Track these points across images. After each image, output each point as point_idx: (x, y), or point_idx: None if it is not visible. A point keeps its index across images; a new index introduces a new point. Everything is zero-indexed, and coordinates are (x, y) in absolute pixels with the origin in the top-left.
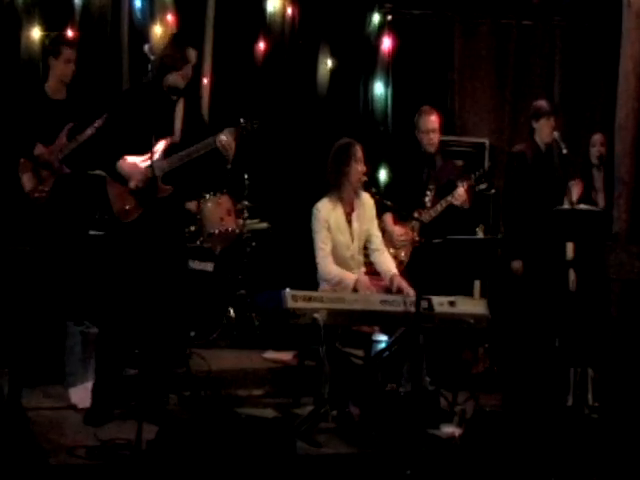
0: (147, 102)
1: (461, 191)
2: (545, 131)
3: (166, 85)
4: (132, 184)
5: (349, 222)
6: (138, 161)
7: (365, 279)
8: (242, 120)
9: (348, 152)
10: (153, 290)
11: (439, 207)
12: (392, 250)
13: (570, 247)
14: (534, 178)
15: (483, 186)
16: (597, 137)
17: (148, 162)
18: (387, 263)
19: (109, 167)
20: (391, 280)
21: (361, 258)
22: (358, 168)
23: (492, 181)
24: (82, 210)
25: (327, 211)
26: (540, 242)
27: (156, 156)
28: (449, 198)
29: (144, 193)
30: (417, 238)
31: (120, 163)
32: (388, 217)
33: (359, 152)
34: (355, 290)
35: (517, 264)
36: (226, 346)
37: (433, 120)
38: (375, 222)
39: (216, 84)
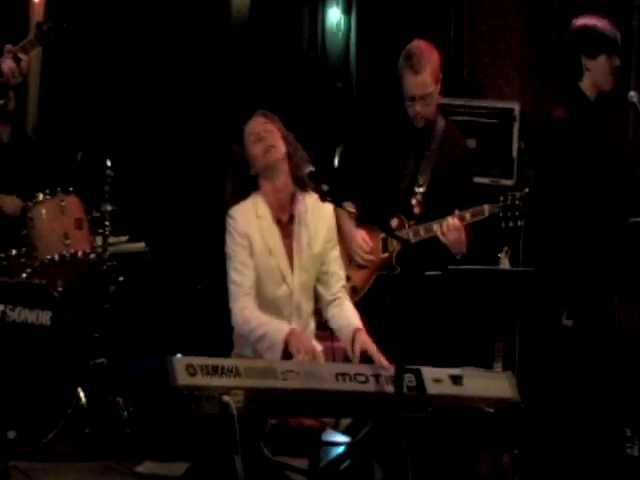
0: None
1: (452, 225)
2: (606, 73)
3: None
4: None
5: (286, 237)
6: None
7: (304, 335)
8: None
9: (240, 135)
10: None
11: (422, 231)
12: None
13: None
14: (587, 162)
15: (513, 224)
16: None
17: None
18: (348, 314)
19: None
20: (353, 337)
21: (307, 307)
22: (256, 148)
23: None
24: None
25: (246, 220)
26: (604, 278)
27: None
28: (434, 227)
29: None
30: (384, 256)
31: None
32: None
33: (253, 122)
34: (287, 353)
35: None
36: (72, 454)
37: (420, 81)
38: (335, 246)
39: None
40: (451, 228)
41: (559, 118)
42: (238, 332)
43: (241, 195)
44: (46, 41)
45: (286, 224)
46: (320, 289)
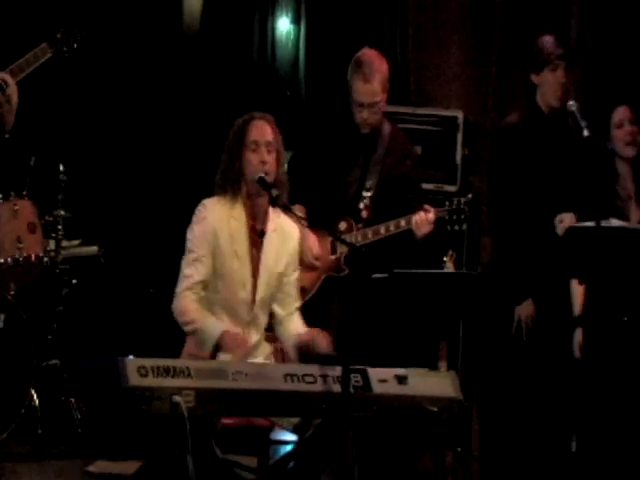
0: None
1: (425, 218)
2: (551, 89)
3: None
4: None
5: (254, 248)
6: None
7: (240, 334)
8: (60, 35)
9: (241, 132)
10: None
11: (383, 230)
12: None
13: (579, 292)
14: (538, 169)
15: (458, 227)
16: (621, 111)
17: None
18: (295, 324)
19: None
20: (297, 340)
21: (263, 321)
22: (252, 157)
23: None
24: None
25: (219, 216)
26: (550, 284)
27: None
28: (402, 223)
29: None
30: (333, 258)
31: None
32: (298, 213)
33: (258, 130)
34: (217, 350)
35: (526, 310)
36: (25, 455)
37: (369, 90)
38: (296, 269)
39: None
40: (423, 221)
41: (513, 123)
42: (175, 317)
43: (229, 183)
44: (61, 52)
45: (257, 236)
46: (275, 307)
